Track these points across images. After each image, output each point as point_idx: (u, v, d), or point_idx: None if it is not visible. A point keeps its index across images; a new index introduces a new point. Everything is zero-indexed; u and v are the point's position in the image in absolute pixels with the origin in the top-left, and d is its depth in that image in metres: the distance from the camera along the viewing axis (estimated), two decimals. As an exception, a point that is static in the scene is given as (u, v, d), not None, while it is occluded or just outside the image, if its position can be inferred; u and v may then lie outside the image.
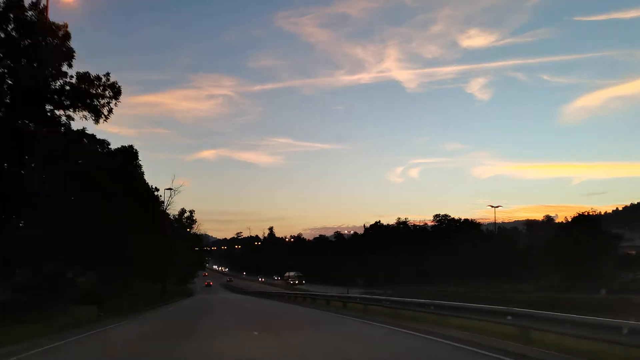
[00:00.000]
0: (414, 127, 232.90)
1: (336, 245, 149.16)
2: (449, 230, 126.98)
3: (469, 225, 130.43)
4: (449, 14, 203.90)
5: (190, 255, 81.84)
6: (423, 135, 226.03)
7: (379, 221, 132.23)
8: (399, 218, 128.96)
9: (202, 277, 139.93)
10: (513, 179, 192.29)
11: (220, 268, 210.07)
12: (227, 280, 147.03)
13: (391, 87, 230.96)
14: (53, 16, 24.97)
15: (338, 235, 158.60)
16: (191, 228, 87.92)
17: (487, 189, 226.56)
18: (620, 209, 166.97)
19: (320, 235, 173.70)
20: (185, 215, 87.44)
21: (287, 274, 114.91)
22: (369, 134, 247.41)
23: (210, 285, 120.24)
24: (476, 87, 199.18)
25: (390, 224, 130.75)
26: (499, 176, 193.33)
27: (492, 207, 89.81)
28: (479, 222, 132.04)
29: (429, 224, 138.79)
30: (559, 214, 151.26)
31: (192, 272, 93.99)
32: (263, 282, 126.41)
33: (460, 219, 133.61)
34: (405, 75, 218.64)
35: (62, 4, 26.85)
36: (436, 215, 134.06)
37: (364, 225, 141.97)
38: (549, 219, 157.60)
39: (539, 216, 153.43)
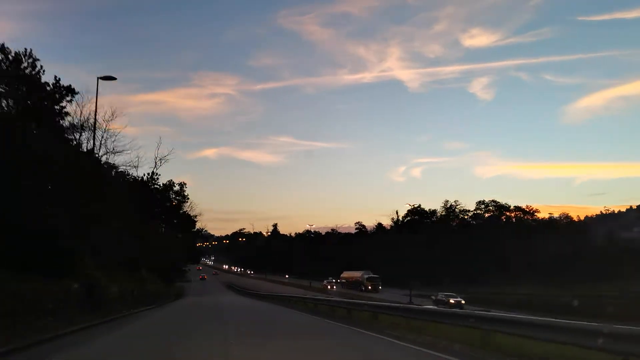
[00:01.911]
0: (416, 127, 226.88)
1: (359, 239, 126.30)
2: (499, 219, 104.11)
3: (525, 214, 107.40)
4: (451, 12, 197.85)
5: (180, 243, 59.03)
6: (425, 135, 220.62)
7: (419, 205, 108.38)
8: (447, 200, 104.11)
9: (195, 272, 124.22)
10: (515, 179, 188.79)
11: (234, 268, 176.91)
12: (214, 274, 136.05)
13: (393, 86, 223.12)
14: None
15: (360, 228, 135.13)
16: (181, 206, 65.14)
17: (489, 189, 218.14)
18: (634, 207, 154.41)
19: (332, 230, 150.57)
20: (174, 189, 64.54)
21: (348, 274, 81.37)
22: (371, 133, 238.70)
23: (205, 279, 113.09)
24: (479, 87, 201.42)
25: (432, 209, 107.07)
26: (501, 176, 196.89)
27: None
28: (533, 210, 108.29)
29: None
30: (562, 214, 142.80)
31: (180, 264, 69.70)
32: (330, 288, 77.72)
33: (509, 206, 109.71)
34: (408, 75, 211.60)
35: None
36: (480, 202, 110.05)
37: (396, 212, 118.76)
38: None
39: (542, 216, 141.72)
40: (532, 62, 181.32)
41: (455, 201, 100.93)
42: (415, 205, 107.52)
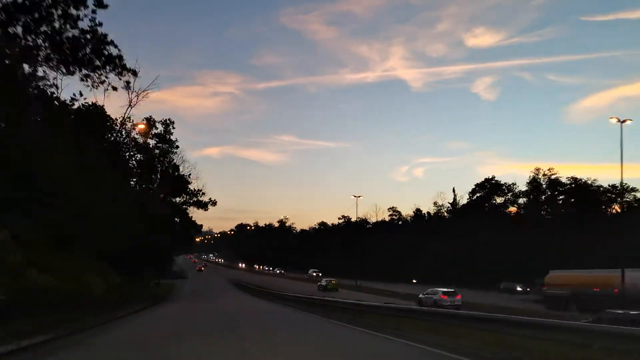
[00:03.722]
0: (419, 126, 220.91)
1: (398, 228, 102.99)
2: (591, 202, 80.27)
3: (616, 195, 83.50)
4: (455, 12, 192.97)
5: (166, 211, 35.68)
6: (428, 134, 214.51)
7: (492, 177, 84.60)
8: (538, 168, 76.69)
9: (192, 265, 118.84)
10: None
11: (259, 267, 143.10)
12: (204, 265, 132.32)
13: (396, 85, 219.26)
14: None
15: (393, 216, 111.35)
16: (167, 155, 41.65)
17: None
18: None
19: (350, 221, 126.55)
20: (157, 129, 41.10)
21: (581, 276, 36.89)
22: (373, 132, 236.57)
23: (202, 270, 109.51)
24: (482, 87, 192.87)
25: (511, 182, 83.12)
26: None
27: None
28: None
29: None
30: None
31: (167, 246, 44.96)
32: None
33: (593, 183, 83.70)
34: (411, 74, 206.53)
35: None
36: (573, 180, 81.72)
37: (453, 189, 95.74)
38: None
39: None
40: (535, 62, 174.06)
41: (549, 169, 75.33)
42: (489, 177, 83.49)
